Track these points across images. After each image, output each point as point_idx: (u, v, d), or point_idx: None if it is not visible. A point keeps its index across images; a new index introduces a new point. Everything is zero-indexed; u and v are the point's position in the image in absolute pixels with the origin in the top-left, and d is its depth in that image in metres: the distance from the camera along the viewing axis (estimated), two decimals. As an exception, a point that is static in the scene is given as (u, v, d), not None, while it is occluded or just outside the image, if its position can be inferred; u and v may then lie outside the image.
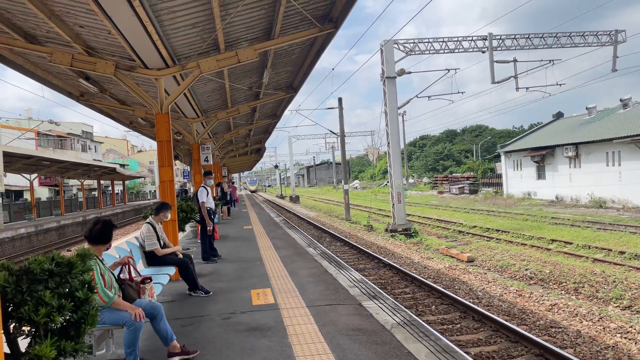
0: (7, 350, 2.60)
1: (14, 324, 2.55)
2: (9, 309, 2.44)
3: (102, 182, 46.52)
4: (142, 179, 75.70)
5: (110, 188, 55.18)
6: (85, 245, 4.35)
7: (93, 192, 53.57)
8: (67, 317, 2.64)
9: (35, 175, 32.22)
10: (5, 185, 39.18)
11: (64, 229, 29.58)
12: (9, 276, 2.42)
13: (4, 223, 25.43)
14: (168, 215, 7.27)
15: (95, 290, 2.89)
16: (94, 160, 54.38)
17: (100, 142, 72.58)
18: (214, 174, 11.70)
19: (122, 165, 62.73)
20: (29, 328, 2.51)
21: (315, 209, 40.28)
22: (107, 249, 4.67)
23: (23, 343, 2.68)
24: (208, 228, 9.94)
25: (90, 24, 6.68)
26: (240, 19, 7.49)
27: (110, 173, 40.74)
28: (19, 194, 47.07)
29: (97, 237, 4.33)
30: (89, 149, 64.75)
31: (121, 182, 55.11)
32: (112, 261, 5.24)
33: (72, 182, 53.00)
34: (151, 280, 4.77)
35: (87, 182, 45.41)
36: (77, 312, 2.63)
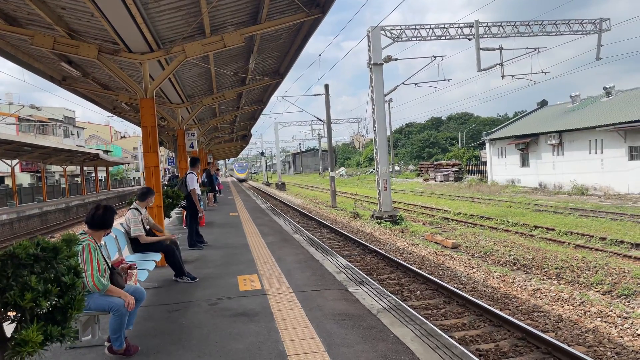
0: (-7, 336, 2.58)
1: (2, 308, 2.52)
2: (-6, 294, 2.41)
3: (85, 168, 45.92)
4: (126, 165, 74.90)
5: (93, 174, 54.53)
6: (85, 229, 4.31)
7: (76, 179, 52.89)
8: (54, 302, 2.62)
9: (17, 161, 31.73)
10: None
11: (46, 215, 29.22)
12: (-7, 261, 2.38)
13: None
14: (152, 200, 7.23)
15: (82, 275, 2.87)
16: (77, 146, 53.61)
17: (83, 128, 71.53)
18: (200, 160, 11.60)
19: (106, 152, 62.03)
20: (14, 313, 2.49)
21: (302, 196, 40.31)
22: (107, 235, 4.63)
23: (9, 329, 2.65)
24: (200, 215, 9.88)
25: (72, 6, 6.54)
26: (226, 2, 7.39)
27: (93, 159, 40.27)
28: (-1, 180, 46.33)
29: (98, 222, 4.29)
30: (71, 134, 63.81)
31: (104, 168, 54.44)
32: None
33: (54, 168, 52.26)
34: (136, 267, 4.75)
35: (69, 168, 44.83)
36: (64, 297, 2.61)
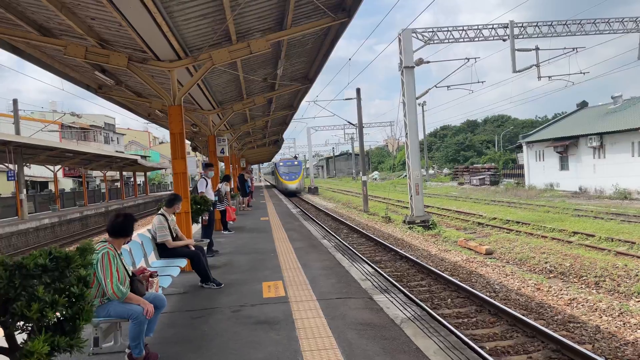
0: (5, 345, 2.61)
1: (10, 319, 2.55)
2: (3, 304, 2.43)
3: (124, 173, 47.18)
4: (164, 170, 76.52)
5: (132, 179, 55.97)
6: (106, 236, 4.37)
7: (115, 183, 54.41)
8: (63, 313, 2.63)
9: (59, 166, 32.83)
10: (30, 176, 40.08)
11: (86, 219, 30.12)
12: (2, 271, 2.41)
13: (29, 214, 25.98)
14: (179, 207, 7.31)
15: (91, 285, 2.88)
16: (117, 151, 55.16)
17: (123, 134, 73.54)
18: (214, 166, 11.87)
19: (144, 157, 63.59)
20: (22, 323, 2.51)
21: (334, 200, 40.22)
22: (127, 242, 4.68)
23: (24, 337, 2.67)
24: (204, 218, 9.98)
25: (101, 16, 6.68)
26: (251, 9, 7.42)
27: (132, 164, 41.29)
28: (44, 185, 48.05)
29: (118, 230, 4.34)
30: (112, 140, 65.70)
31: (143, 173, 55.80)
32: (124, 254, 5.26)
33: (95, 173, 53.88)
34: (157, 274, 4.78)
35: (109, 173, 46.13)
36: (72, 307, 2.62)
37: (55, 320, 2.61)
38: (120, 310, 4.09)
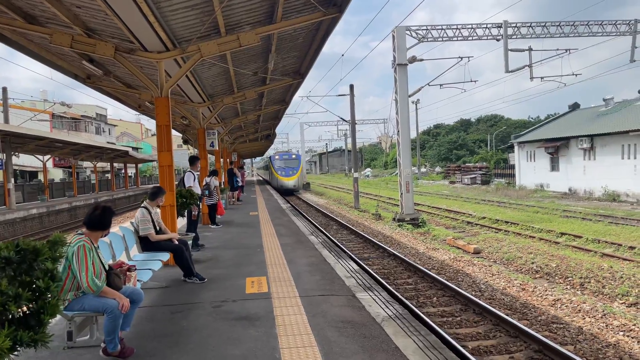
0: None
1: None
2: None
3: (115, 164, 46.83)
4: (155, 162, 76.06)
5: (123, 171, 55.59)
6: (83, 229, 4.28)
7: (106, 175, 54.03)
8: (30, 306, 2.56)
9: (49, 156, 32.50)
10: (19, 165, 39.70)
11: (75, 210, 29.86)
12: (-36, 263, 2.34)
13: (17, 203, 25.73)
14: (163, 200, 7.24)
15: (58, 279, 2.80)
16: (108, 142, 54.73)
17: (114, 125, 72.99)
18: (200, 159, 11.79)
19: (135, 149, 63.16)
20: (-17, 317, 2.44)
21: (325, 197, 40.15)
22: (105, 235, 4.59)
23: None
24: (193, 213, 9.90)
25: (86, 5, 6.57)
26: (240, 1, 7.33)
27: (122, 156, 41.01)
28: (33, 174, 47.65)
29: (96, 223, 4.25)
30: (103, 131, 65.20)
31: (134, 165, 55.42)
32: (103, 247, 5.21)
33: (86, 164, 53.45)
34: (135, 268, 4.71)
35: (100, 164, 45.80)
36: (38, 301, 2.55)
37: (21, 314, 2.54)
38: (95, 304, 4.02)
